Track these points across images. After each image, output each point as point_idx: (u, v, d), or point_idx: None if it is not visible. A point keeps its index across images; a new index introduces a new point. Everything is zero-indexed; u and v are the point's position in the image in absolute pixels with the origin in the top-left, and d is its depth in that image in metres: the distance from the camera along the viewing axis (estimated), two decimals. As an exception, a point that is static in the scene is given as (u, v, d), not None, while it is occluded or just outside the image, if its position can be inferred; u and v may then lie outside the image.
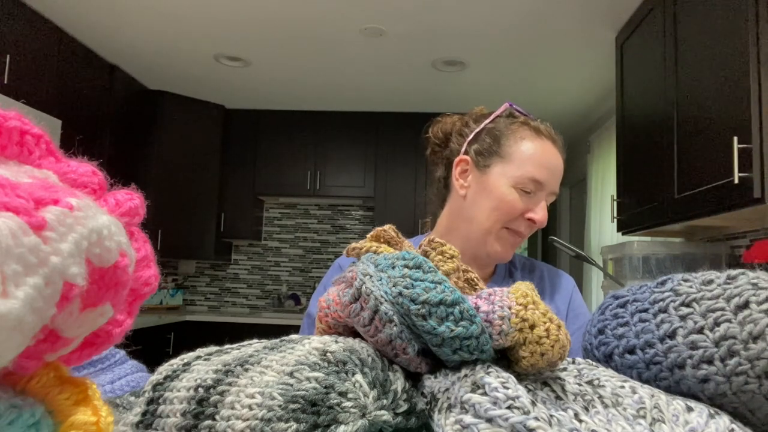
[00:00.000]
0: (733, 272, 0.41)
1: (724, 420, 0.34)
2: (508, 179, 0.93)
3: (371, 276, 0.39)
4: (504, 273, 1.05)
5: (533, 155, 0.94)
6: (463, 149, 0.99)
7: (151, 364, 0.51)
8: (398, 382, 0.35)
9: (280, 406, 0.32)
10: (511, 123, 0.97)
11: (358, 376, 0.34)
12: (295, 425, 0.31)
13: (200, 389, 0.36)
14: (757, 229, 2.03)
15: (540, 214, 0.93)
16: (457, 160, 0.99)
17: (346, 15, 2.79)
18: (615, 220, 2.59)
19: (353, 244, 0.53)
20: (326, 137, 4.28)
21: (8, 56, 2.59)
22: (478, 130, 0.99)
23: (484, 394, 0.31)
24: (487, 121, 0.99)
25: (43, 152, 0.29)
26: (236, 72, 3.60)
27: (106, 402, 0.30)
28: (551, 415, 0.31)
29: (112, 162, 3.41)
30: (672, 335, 0.40)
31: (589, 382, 0.38)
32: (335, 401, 0.32)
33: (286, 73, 3.60)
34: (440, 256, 0.49)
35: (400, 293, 0.37)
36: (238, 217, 4.28)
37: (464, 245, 0.96)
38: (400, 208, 4.17)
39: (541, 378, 0.38)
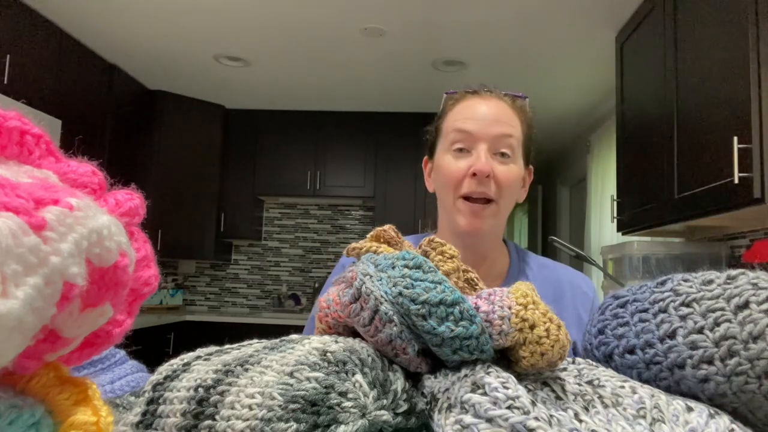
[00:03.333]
0: (733, 272, 0.41)
1: (724, 420, 0.34)
2: (444, 150, 0.93)
3: (371, 276, 0.39)
4: (517, 274, 1.00)
5: (457, 115, 0.93)
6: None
7: (151, 364, 0.51)
8: (398, 382, 0.35)
9: (280, 406, 0.32)
10: (444, 106, 0.99)
11: (358, 376, 0.34)
12: (295, 425, 0.31)
13: (200, 389, 0.36)
14: (757, 229, 2.03)
15: (477, 164, 0.87)
16: (423, 165, 1.02)
17: (346, 15, 2.79)
18: (615, 220, 2.59)
19: (353, 244, 0.53)
20: (326, 137, 4.28)
21: (8, 56, 2.59)
22: (429, 129, 1.02)
23: (484, 394, 0.31)
24: (437, 118, 1.01)
25: (43, 152, 0.29)
26: (236, 72, 3.60)
27: (106, 402, 0.30)
28: (551, 415, 0.31)
29: (112, 162, 3.41)
30: (672, 335, 0.40)
31: (589, 382, 0.38)
32: (335, 401, 0.32)
33: (286, 73, 3.60)
34: (440, 256, 0.49)
35: (400, 293, 0.37)
36: (238, 217, 4.28)
37: (456, 240, 0.92)
38: (400, 208, 4.17)
39: (541, 378, 0.38)
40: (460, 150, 0.90)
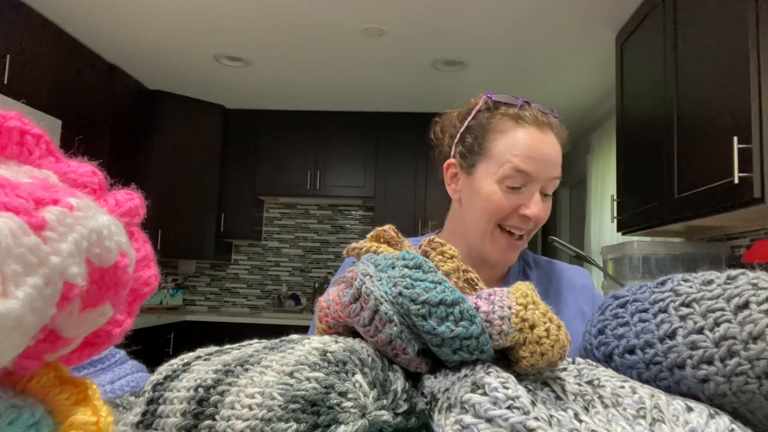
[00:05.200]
0: (733, 272, 0.41)
1: (724, 420, 0.34)
2: (492, 177, 0.87)
3: (371, 276, 0.39)
4: (518, 273, 1.00)
5: (514, 146, 0.87)
6: (452, 152, 0.95)
7: (151, 364, 0.51)
8: (398, 382, 0.35)
9: (280, 406, 0.32)
10: (490, 117, 0.91)
11: (358, 376, 0.34)
12: (295, 425, 0.31)
13: (200, 389, 0.36)
14: (757, 229, 2.03)
15: (533, 209, 0.86)
16: (445, 165, 0.96)
17: (346, 15, 2.79)
18: (615, 220, 2.59)
19: (353, 244, 0.53)
20: (326, 137, 4.28)
21: (8, 56, 2.59)
22: (462, 129, 0.94)
23: (484, 394, 0.31)
24: (469, 118, 0.93)
25: (43, 152, 0.29)
26: (236, 72, 3.60)
27: (106, 402, 0.30)
28: (551, 415, 0.31)
29: (112, 162, 3.41)
30: (672, 335, 0.40)
31: (589, 382, 0.38)
32: (335, 401, 0.32)
33: (286, 73, 3.60)
34: (440, 256, 0.49)
35: (400, 293, 0.37)
36: (238, 217, 4.28)
37: (469, 248, 0.93)
38: (400, 208, 4.17)
39: (541, 378, 0.38)
40: (514, 187, 0.87)
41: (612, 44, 2.79)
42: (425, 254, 0.50)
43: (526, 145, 0.87)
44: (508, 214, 0.87)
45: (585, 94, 3.69)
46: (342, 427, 0.31)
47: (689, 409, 0.34)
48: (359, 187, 4.24)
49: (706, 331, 0.38)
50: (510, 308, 0.37)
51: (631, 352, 0.43)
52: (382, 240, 0.54)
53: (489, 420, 0.30)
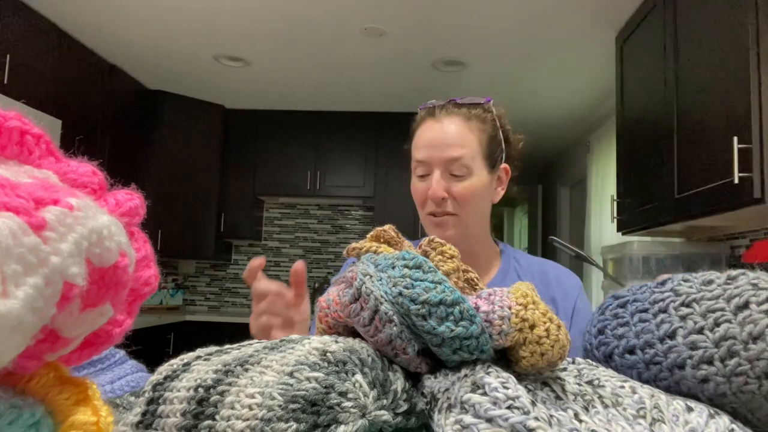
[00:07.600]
0: (733, 272, 0.41)
1: (724, 420, 0.34)
2: (413, 172, 1.02)
3: (371, 276, 0.39)
4: (506, 270, 1.04)
5: (417, 141, 1.01)
6: None
7: (151, 364, 0.51)
8: (398, 382, 0.35)
9: (280, 406, 0.32)
10: (412, 126, 1.06)
11: (358, 376, 0.34)
12: (295, 425, 0.31)
13: (200, 389, 0.36)
14: (757, 229, 2.03)
15: (430, 191, 0.96)
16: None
17: (346, 15, 2.79)
18: (615, 220, 2.59)
19: (353, 244, 0.53)
20: (326, 137, 4.28)
21: (8, 56, 2.59)
22: (406, 147, 1.08)
23: (484, 394, 0.31)
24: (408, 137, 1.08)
25: (43, 152, 0.29)
26: (236, 72, 3.60)
27: (106, 402, 0.30)
28: (551, 415, 0.31)
29: (112, 162, 3.41)
30: (672, 335, 0.40)
31: (589, 382, 0.38)
32: (335, 401, 0.32)
33: (286, 73, 3.60)
34: (440, 256, 0.49)
35: (400, 293, 0.37)
36: (238, 217, 4.28)
37: None
38: (400, 208, 4.17)
39: (541, 378, 0.38)
40: (422, 175, 0.99)
41: (612, 44, 2.79)
42: (425, 254, 0.50)
43: (420, 137, 1.00)
44: (425, 200, 0.98)
45: (585, 94, 3.69)
46: (342, 427, 0.31)
47: (689, 409, 0.34)
48: (359, 187, 4.24)
49: (706, 332, 0.38)
50: (510, 308, 0.37)
51: (631, 352, 0.43)
52: (382, 240, 0.54)
53: (489, 420, 0.30)
